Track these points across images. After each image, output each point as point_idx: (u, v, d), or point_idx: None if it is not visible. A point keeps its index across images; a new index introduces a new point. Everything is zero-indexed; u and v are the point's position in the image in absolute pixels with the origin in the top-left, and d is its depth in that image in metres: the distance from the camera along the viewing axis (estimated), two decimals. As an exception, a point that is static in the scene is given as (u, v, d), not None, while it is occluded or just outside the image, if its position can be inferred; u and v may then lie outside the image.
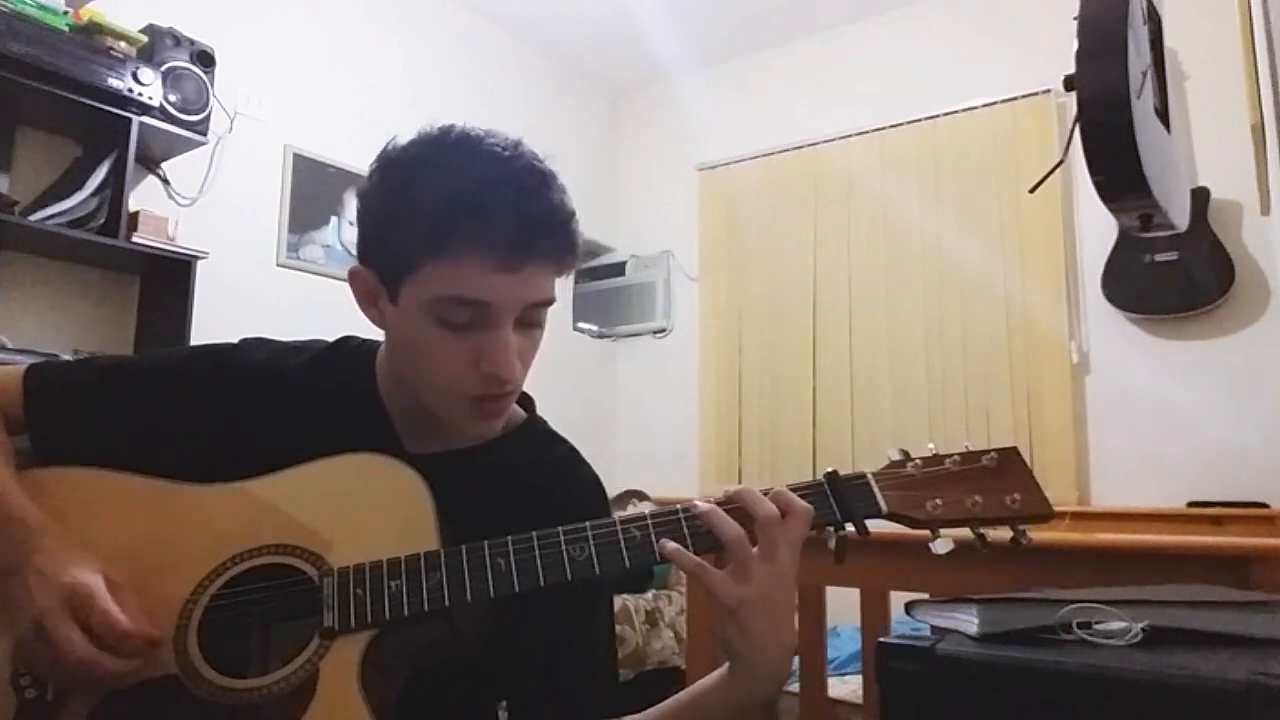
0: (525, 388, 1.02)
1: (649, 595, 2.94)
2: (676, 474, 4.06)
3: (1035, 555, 1.37)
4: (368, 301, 0.87)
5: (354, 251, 0.88)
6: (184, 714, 0.73)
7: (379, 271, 0.83)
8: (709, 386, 4.13)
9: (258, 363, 0.93)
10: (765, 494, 0.78)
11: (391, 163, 0.82)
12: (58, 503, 0.81)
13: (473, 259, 0.76)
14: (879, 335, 3.69)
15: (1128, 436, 3.20)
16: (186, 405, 0.89)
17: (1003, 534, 0.82)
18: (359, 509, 0.80)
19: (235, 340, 0.96)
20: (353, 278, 0.87)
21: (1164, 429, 3.12)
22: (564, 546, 0.76)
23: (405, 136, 0.83)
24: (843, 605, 1.77)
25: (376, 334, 0.93)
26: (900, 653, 0.79)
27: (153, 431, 0.88)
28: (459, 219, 0.76)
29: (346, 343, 0.98)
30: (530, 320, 0.83)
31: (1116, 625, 0.75)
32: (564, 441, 1.00)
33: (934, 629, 0.86)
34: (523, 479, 0.93)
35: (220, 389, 0.90)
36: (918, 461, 0.82)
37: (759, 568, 0.75)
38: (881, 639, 0.82)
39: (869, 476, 0.81)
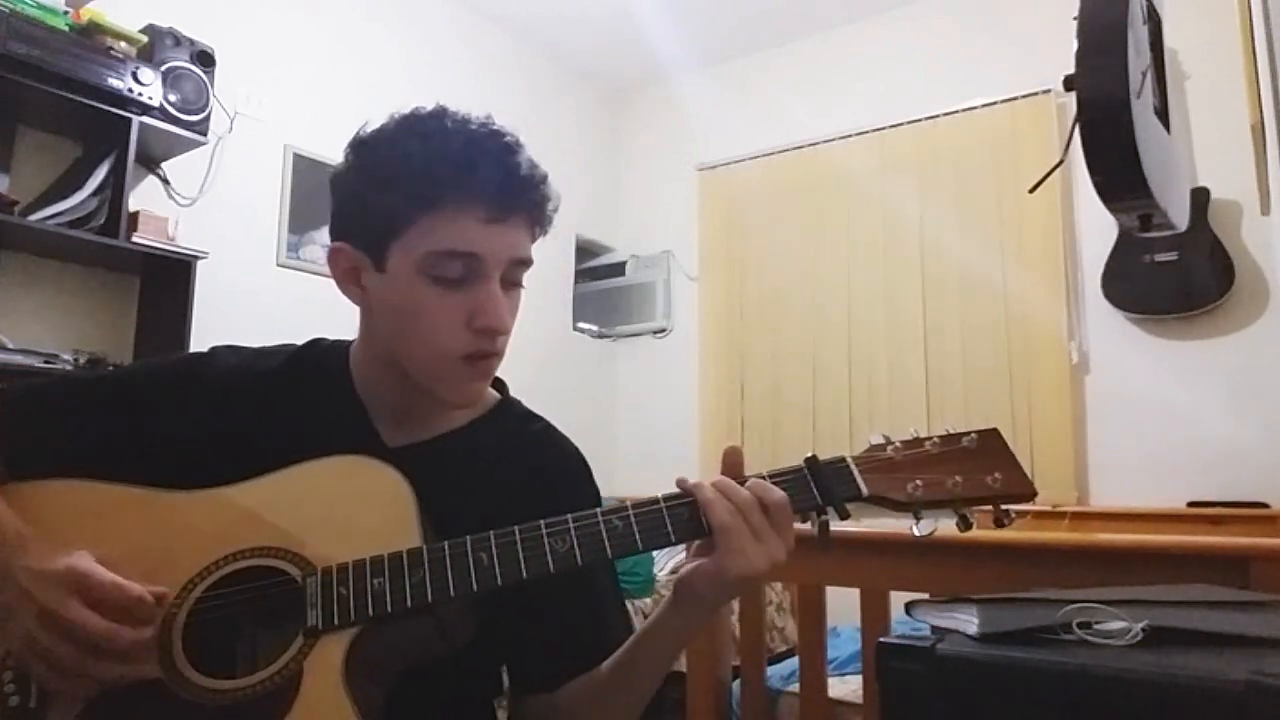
0: (522, 384, 1.02)
1: (648, 599, 2.94)
2: (676, 474, 4.02)
3: (1035, 555, 1.38)
4: (349, 280, 0.88)
5: None
6: (168, 716, 0.73)
7: (362, 241, 0.85)
8: (709, 386, 4.13)
9: (231, 367, 0.94)
10: (743, 483, 0.79)
11: (367, 141, 0.86)
12: (39, 514, 0.81)
13: (464, 211, 0.80)
14: (879, 335, 3.69)
15: (1127, 436, 3.20)
16: (163, 416, 0.90)
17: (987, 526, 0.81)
18: (342, 511, 0.80)
19: (206, 349, 0.97)
20: (333, 256, 0.88)
21: (1164, 429, 3.12)
22: (546, 539, 0.76)
23: (376, 121, 0.87)
24: (843, 605, 1.76)
25: (352, 334, 0.94)
26: (900, 653, 0.79)
27: (130, 444, 0.88)
28: (451, 173, 0.80)
29: (318, 344, 0.98)
30: (513, 279, 0.86)
31: (1116, 625, 0.75)
32: (539, 418, 1.01)
33: (934, 629, 0.86)
34: (503, 459, 0.93)
35: (195, 396, 0.91)
36: (898, 444, 0.82)
37: (752, 547, 0.76)
38: (881, 639, 0.82)
39: (848, 460, 0.81)
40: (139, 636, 0.72)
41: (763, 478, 0.80)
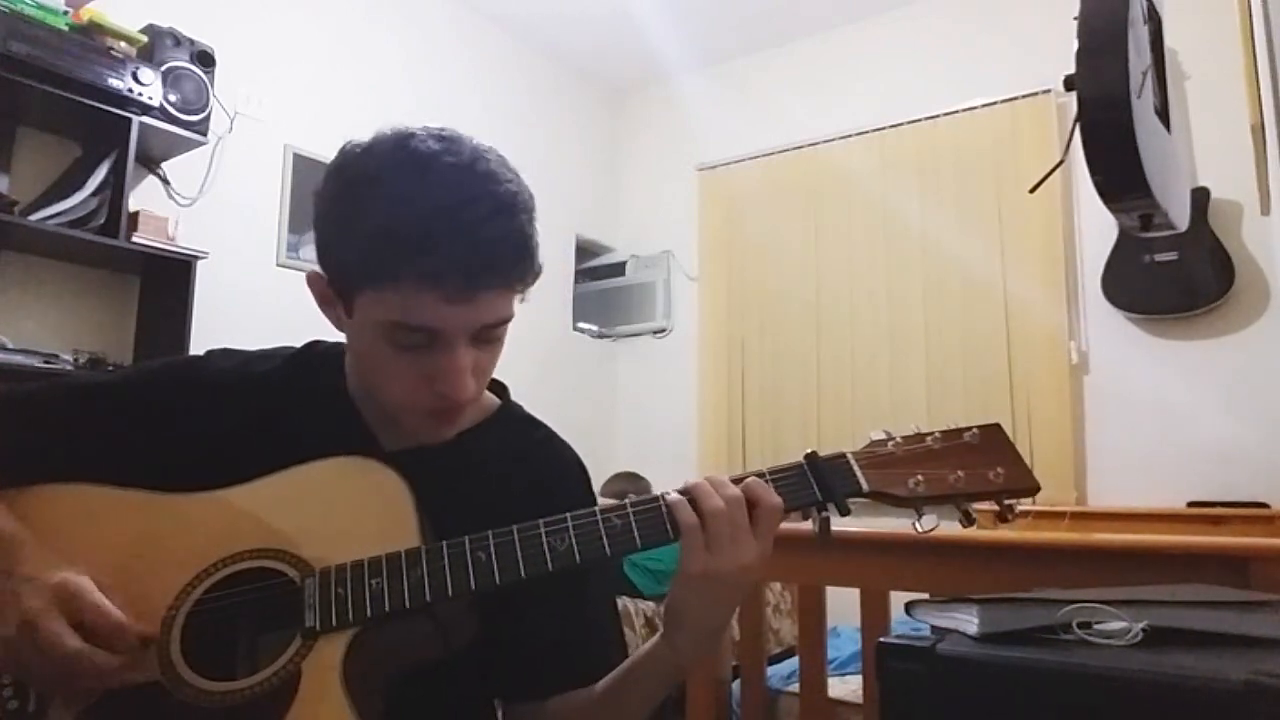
0: (522, 384, 1.02)
1: (649, 602, 2.94)
2: (676, 474, 4.05)
3: (1035, 555, 1.38)
4: (326, 304, 0.85)
5: None
6: (167, 719, 0.73)
7: (332, 283, 0.82)
8: (709, 386, 4.13)
9: (226, 370, 0.93)
10: (738, 481, 0.78)
11: (342, 173, 0.80)
12: (38, 518, 0.81)
13: (420, 292, 0.74)
14: (879, 335, 3.69)
15: (1127, 436, 3.20)
16: (159, 419, 0.89)
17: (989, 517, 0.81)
18: (341, 512, 0.80)
19: (201, 353, 0.97)
20: (310, 283, 0.85)
21: (1164, 429, 3.12)
22: (544, 538, 0.76)
23: (363, 138, 0.81)
24: (843, 605, 1.76)
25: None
26: (900, 653, 0.79)
27: (126, 448, 0.88)
28: (403, 253, 0.74)
29: (315, 346, 0.98)
30: (487, 337, 0.81)
31: (1116, 625, 0.75)
32: (541, 425, 1.00)
33: (934, 629, 0.86)
34: (503, 466, 0.93)
35: (191, 399, 0.90)
36: (898, 440, 0.82)
37: (711, 554, 0.75)
38: (881, 639, 0.82)
39: (848, 456, 0.80)
40: (109, 665, 0.72)
41: (763, 475, 0.79)
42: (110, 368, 2.57)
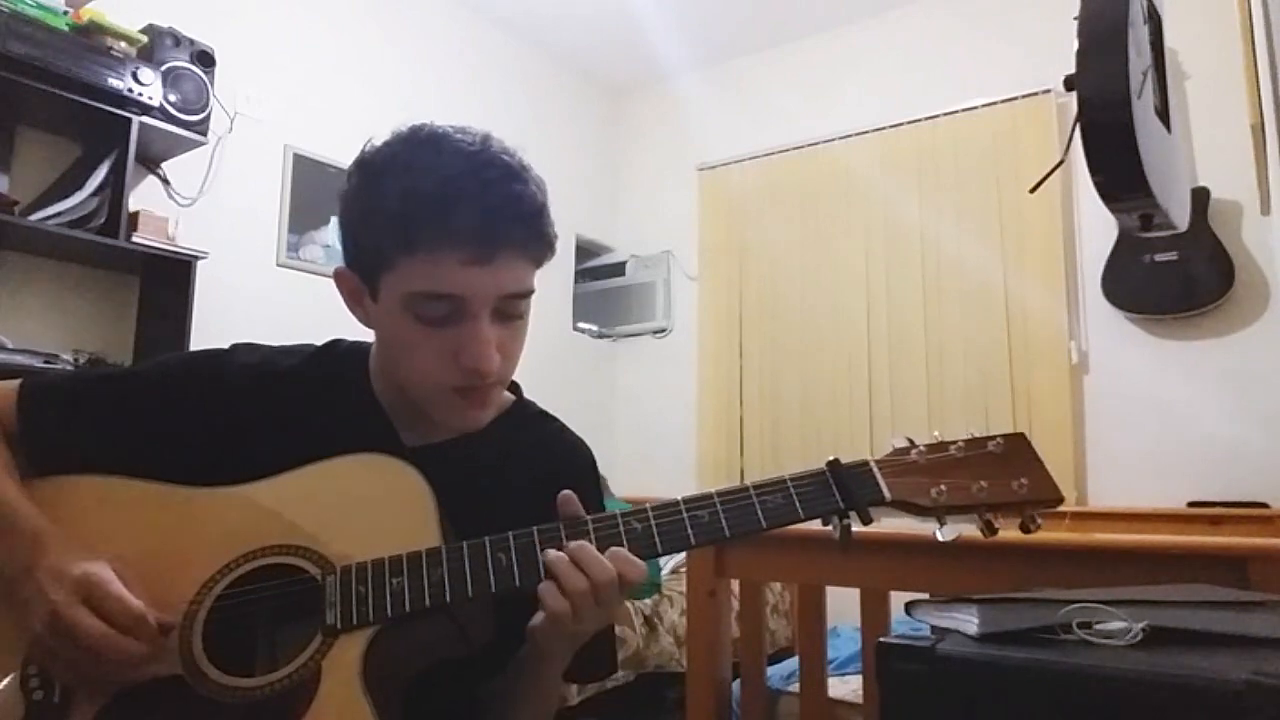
0: (525, 386, 1.03)
1: (648, 600, 2.94)
2: (676, 475, 4.06)
3: (1035, 555, 1.38)
4: (354, 301, 0.89)
5: None
6: (189, 713, 0.74)
7: (358, 270, 0.85)
8: (709, 386, 4.13)
9: (250, 366, 0.94)
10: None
11: (364, 165, 0.84)
12: (63, 510, 0.81)
13: (441, 254, 0.78)
14: (879, 335, 3.69)
15: (1127, 436, 3.20)
16: (183, 412, 0.90)
17: (1011, 523, 0.81)
18: (362, 509, 0.80)
19: (226, 346, 0.97)
20: (338, 279, 0.89)
21: (1164, 429, 3.12)
22: (565, 541, 0.76)
23: (381, 136, 0.85)
24: (843, 605, 1.77)
25: (367, 335, 0.94)
26: (900, 653, 0.79)
27: (151, 440, 0.89)
28: (423, 216, 0.78)
29: (337, 344, 0.99)
30: (509, 311, 0.84)
31: (1116, 625, 0.75)
32: (553, 419, 1.02)
33: (934, 629, 0.86)
34: (518, 461, 0.94)
35: (215, 394, 0.91)
36: (922, 448, 0.81)
37: (579, 625, 0.77)
38: (881, 639, 0.82)
39: (872, 464, 0.80)
40: (134, 650, 0.73)
41: (784, 482, 0.79)
42: (110, 367, 2.57)
